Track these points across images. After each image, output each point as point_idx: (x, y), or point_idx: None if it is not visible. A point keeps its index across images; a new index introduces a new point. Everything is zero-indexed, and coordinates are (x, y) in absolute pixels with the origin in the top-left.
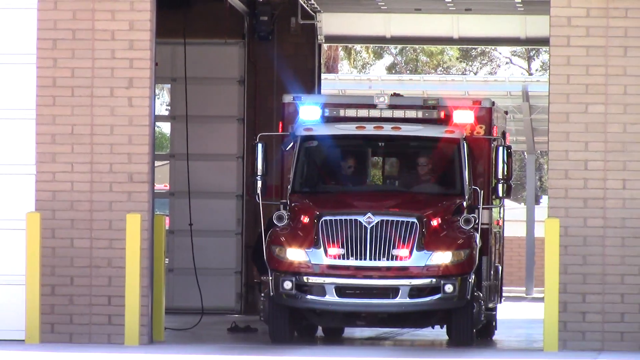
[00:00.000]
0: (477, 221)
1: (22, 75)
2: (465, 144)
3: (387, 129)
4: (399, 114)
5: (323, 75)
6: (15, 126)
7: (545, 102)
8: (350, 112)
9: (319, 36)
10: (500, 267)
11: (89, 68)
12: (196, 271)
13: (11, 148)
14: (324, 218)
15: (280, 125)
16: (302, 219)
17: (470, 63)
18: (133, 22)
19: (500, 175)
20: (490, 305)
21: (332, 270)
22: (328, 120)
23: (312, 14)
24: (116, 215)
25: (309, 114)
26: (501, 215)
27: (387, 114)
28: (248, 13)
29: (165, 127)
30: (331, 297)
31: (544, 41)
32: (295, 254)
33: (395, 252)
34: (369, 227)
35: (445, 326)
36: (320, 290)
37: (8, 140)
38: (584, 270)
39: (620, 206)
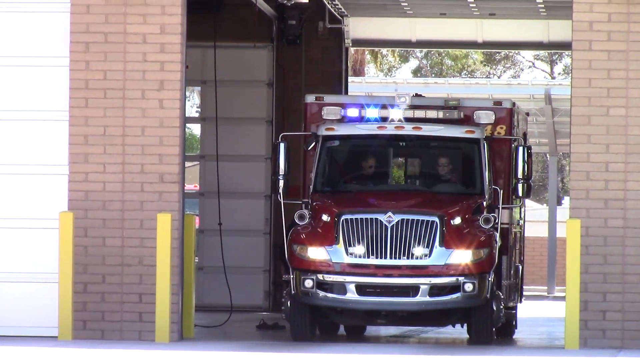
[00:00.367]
0: (496, 221)
1: (55, 77)
2: (485, 144)
3: (408, 129)
4: (420, 114)
5: (350, 78)
6: (48, 127)
7: (567, 105)
8: (372, 112)
9: (346, 40)
10: (520, 267)
11: (121, 71)
12: (225, 269)
13: (45, 149)
14: (344, 217)
15: (303, 125)
16: (323, 218)
17: (494, 67)
18: (164, 25)
19: (520, 175)
20: (510, 304)
21: (353, 269)
22: (349, 120)
23: (340, 18)
24: (147, 215)
25: (330, 113)
26: (521, 215)
27: (409, 114)
28: (277, 17)
29: (195, 129)
30: (352, 296)
31: (566, 45)
32: (316, 253)
33: (415, 250)
34: (389, 226)
35: (466, 325)
36: (341, 288)
37: (42, 141)
38: (605, 269)
39: None
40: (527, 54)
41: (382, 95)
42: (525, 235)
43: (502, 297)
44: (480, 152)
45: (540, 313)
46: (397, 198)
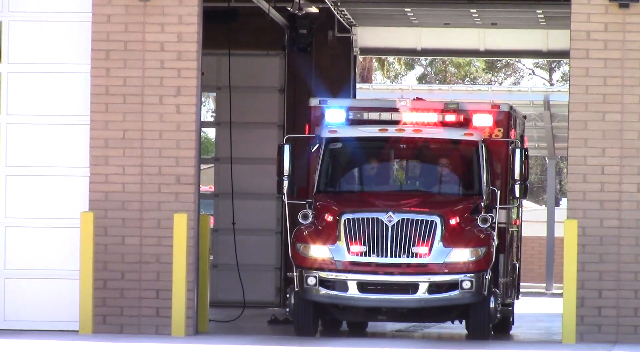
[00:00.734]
0: (494, 220)
1: (77, 83)
2: (483, 146)
3: (409, 131)
4: (420, 117)
5: (358, 85)
6: (70, 131)
7: (565, 111)
8: (374, 115)
9: (354, 48)
10: (517, 265)
11: (140, 77)
12: (238, 267)
13: (67, 152)
14: (347, 216)
15: (307, 127)
16: (326, 217)
17: (495, 74)
18: (181, 34)
19: (517, 177)
20: (507, 301)
21: (354, 267)
22: (352, 123)
23: (348, 27)
24: (164, 215)
25: (334, 116)
26: (518, 215)
27: (409, 117)
28: (288, 26)
29: (210, 133)
30: (353, 293)
31: (564, 54)
32: (319, 251)
33: (415, 249)
34: (390, 225)
35: (464, 321)
36: (343, 285)
37: (64, 144)
38: (600, 267)
39: (634, 208)
40: (527, 62)
41: (383, 99)
42: (525, 235)
43: (499, 294)
44: (478, 154)
45: (539, 309)
46: (398, 198)
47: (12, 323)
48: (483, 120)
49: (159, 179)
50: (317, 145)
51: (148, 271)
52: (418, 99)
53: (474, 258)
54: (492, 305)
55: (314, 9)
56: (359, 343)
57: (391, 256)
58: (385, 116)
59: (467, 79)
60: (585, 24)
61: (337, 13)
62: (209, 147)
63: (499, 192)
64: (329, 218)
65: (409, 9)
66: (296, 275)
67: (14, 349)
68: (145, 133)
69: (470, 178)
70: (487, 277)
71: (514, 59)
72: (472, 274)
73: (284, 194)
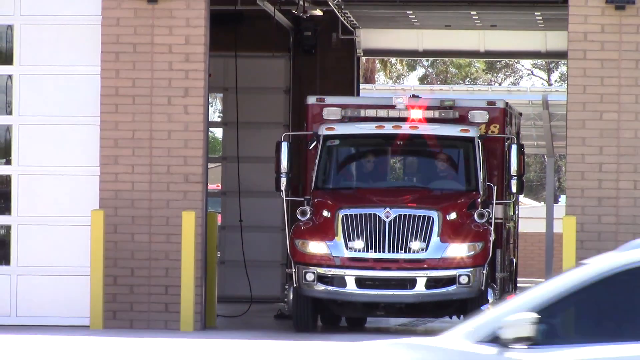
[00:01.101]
0: (490, 216)
1: (87, 85)
2: (479, 142)
3: (405, 128)
4: (417, 114)
5: (361, 86)
6: (81, 132)
7: (563, 110)
8: (371, 113)
9: (357, 50)
10: (514, 260)
11: (149, 79)
12: (245, 263)
13: (77, 151)
14: (344, 212)
15: (305, 125)
16: (323, 213)
17: (495, 74)
18: (189, 36)
19: (513, 172)
20: (505, 296)
21: (352, 263)
22: (350, 120)
23: (352, 29)
24: (173, 213)
25: (331, 114)
26: (515, 211)
27: (406, 114)
28: (293, 29)
29: (217, 133)
30: (351, 288)
31: (562, 54)
32: (317, 247)
33: (412, 245)
34: (387, 221)
35: (462, 316)
36: (341, 281)
37: (74, 144)
38: None
39: (631, 205)
40: (526, 63)
41: (380, 96)
42: (524, 231)
43: (496, 289)
44: (475, 150)
45: None
46: (395, 194)
47: (24, 319)
48: (479, 117)
49: (168, 178)
50: (315, 143)
51: (157, 268)
52: (414, 96)
53: (471, 253)
54: (489, 300)
55: (318, 12)
56: (365, 338)
57: (389, 252)
58: (382, 113)
59: (468, 79)
60: (582, 26)
61: (341, 16)
62: (217, 147)
63: (495, 187)
64: (326, 214)
65: (411, 12)
66: (294, 272)
67: (27, 344)
68: (154, 133)
69: (467, 174)
70: (484, 272)
71: (513, 60)
72: (470, 269)
73: (282, 190)
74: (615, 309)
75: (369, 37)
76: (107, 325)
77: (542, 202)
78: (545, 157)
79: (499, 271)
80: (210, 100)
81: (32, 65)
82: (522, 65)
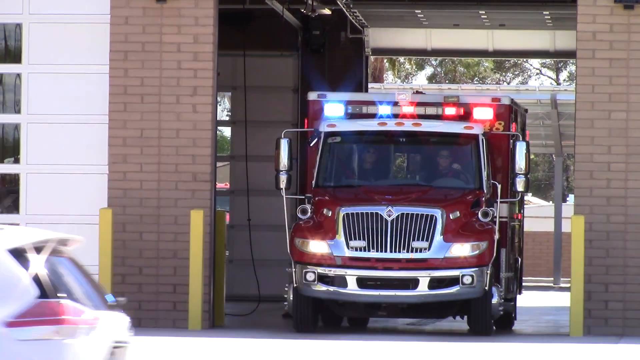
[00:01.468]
0: (495, 214)
1: (95, 84)
2: (484, 139)
3: (408, 125)
4: (420, 110)
5: (370, 85)
6: (89, 130)
7: (572, 110)
8: (373, 109)
9: (366, 49)
10: (519, 259)
11: (157, 77)
12: (254, 262)
13: (86, 150)
14: (345, 211)
15: (306, 122)
16: (324, 212)
17: (503, 74)
18: (197, 35)
19: (518, 170)
20: (510, 296)
21: (354, 262)
22: (351, 116)
23: (360, 28)
24: (181, 211)
25: (333, 110)
26: (520, 209)
27: (408, 110)
28: (302, 28)
29: (226, 131)
30: (352, 288)
31: (571, 54)
32: (317, 246)
33: (415, 244)
34: (389, 219)
35: (466, 317)
36: (342, 281)
37: (83, 143)
38: (607, 262)
39: None
40: (535, 62)
41: (383, 92)
42: (533, 230)
43: (500, 289)
44: (479, 148)
45: (547, 303)
46: (397, 192)
47: None
48: (483, 114)
49: (176, 177)
50: (316, 140)
51: (165, 266)
52: (418, 92)
53: (475, 253)
54: (493, 300)
55: (326, 11)
56: (372, 337)
57: (391, 251)
58: (385, 110)
59: (476, 78)
60: (591, 25)
61: (349, 14)
62: (225, 146)
63: (500, 185)
64: (327, 213)
65: (419, 11)
66: (295, 271)
67: None
68: (162, 132)
69: (471, 172)
70: (488, 272)
71: (521, 59)
72: (473, 269)
73: (282, 188)
74: None
75: (378, 36)
76: None
77: (551, 202)
78: (553, 156)
79: (504, 271)
80: (218, 99)
81: (41, 64)
82: (531, 65)
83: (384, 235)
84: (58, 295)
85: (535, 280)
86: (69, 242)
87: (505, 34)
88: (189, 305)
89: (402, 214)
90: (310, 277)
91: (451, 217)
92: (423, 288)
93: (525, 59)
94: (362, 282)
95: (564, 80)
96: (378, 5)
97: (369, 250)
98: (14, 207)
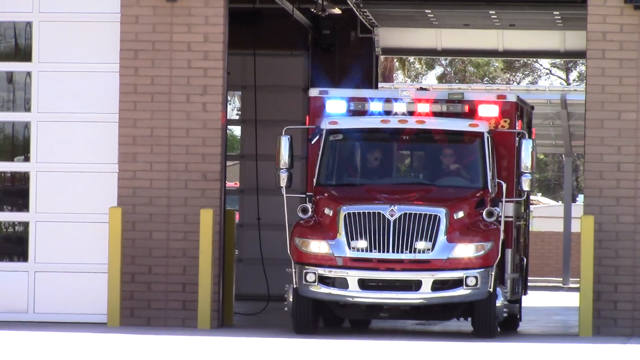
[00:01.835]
0: (500, 214)
1: (105, 82)
2: (489, 137)
3: (412, 122)
4: (423, 107)
5: (380, 84)
6: (99, 129)
7: (582, 110)
8: (376, 106)
9: (376, 48)
10: (525, 260)
11: (167, 76)
12: (263, 261)
13: (95, 148)
14: (347, 211)
15: (307, 118)
16: (325, 211)
17: (513, 74)
18: (207, 34)
19: (524, 169)
20: (515, 297)
21: (355, 263)
22: (354, 113)
23: (370, 28)
24: (191, 210)
25: (335, 107)
26: (526, 209)
27: (412, 107)
28: (312, 27)
29: (236, 130)
30: (354, 290)
31: (581, 54)
32: (318, 246)
33: (418, 244)
34: (392, 219)
35: (470, 318)
36: (343, 282)
37: (93, 141)
38: (616, 262)
39: None
40: (545, 62)
41: (386, 89)
42: (542, 230)
43: (505, 290)
44: (484, 146)
45: (556, 303)
46: (400, 192)
47: (41, 315)
48: (489, 111)
49: (186, 176)
50: (317, 137)
51: (175, 265)
52: (421, 88)
53: (479, 253)
54: (498, 302)
55: (336, 10)
56: (373, 337)
57: (393, 252)
58: (388, 107)
59: (486, 78)
60: (601, 25)
61: (360, 14)
62: (235, 145)
63: (505, 184)
64: (328, 212)
65: (429, 10)
66: (295, 272)
67: (44, 341)
68: (172, 131)
69: (476, 170)
70: (492, 273)
71: (531, 59)
72: (478, 270)
73: (282, 187)
74: None
75: (388, 36)
76: (124, 322)
77: (560, 202)
78: (563, 156)
79: (509, 272)
80: (228, 98)
81: (51, 63)
82: (541, 65)
83: (386, 235)
84: None
85: (544, 280)
86: None
87: (515, 34)
88: (198, 304)
89: (405, 213)
90: (310, 277)
91: (455, 217)
92: (426, 290)
93: (535, 59)
94: (363, 284)
95: (574, 80)
96: (388, 5)
97: (370, 251)
98: (23, 206)
